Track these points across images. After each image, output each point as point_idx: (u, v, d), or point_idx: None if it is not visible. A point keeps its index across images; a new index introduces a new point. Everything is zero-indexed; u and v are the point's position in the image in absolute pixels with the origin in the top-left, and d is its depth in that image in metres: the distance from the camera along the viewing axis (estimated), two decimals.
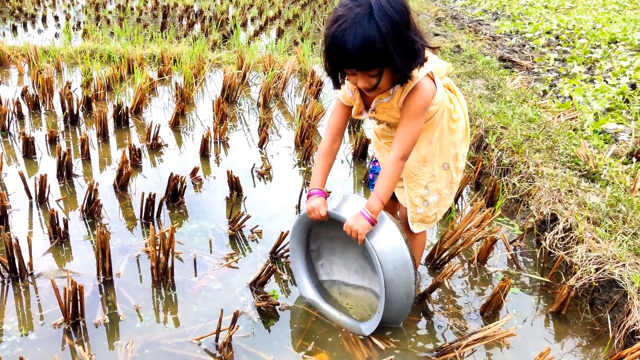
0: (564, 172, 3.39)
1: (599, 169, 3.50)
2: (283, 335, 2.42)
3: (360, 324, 2.43)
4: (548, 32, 9.43)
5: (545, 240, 2.91)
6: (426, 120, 2.29)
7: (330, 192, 2.54)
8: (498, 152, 3.84)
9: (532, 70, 7.06)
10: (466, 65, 6.19)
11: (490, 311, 2.55)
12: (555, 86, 6.14)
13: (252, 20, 11.02)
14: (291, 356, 2.30)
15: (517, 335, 2.11)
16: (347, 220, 2.25)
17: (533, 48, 8.37)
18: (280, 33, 9.33)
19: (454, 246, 2.84)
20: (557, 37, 9.04)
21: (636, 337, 2.26)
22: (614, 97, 5.43)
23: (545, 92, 5.85)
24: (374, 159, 2.71)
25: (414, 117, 2.16)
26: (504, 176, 3.70)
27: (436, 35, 8.72)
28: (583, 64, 7.30)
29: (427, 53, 2.19)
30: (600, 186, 3.30)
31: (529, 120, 4.26)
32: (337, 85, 2.19)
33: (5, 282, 2.67)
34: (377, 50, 1.90)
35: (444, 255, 2.84)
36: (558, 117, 4.72)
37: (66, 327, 2.38)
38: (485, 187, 3.61)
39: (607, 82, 6.12)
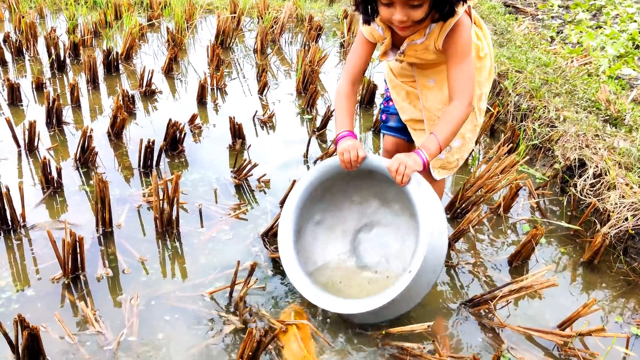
0: (587, 117, 3.20)
1: (621, 113, 3.32)
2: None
3: (382, 294, 1.93)
4: None
5: (574, 186, 2.74)
6: None
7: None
8: (515, 97, 3.63)
9: (536, 16, 6.80)
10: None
11: (519, 261, 2.40)
12: (562, 32, 5.91)
13: None
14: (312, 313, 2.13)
15: (558, 285, 1.96)
16: (397, 155, 1.99)
17: None
18: None
19: (476, 194, 2.66)
20: None
21: None
22: (624, 43, 5.22)
23: (552, 39, 5.62)
24: (386, 98, 2.48)
25: (465, 56, 1.98)
26: (523, 121, 3.50)
27: None
28: (587, 10, 7.04)
29: None
30: (625, 131, 3.12)
31: (543, 64, 4.05)
32: (367, 19, 1.98)
33: None
34: None
35: (465, 203, 2.66)
36: (571, 62, 4.51)
37: (65, 282, 2.19)
38: (503, 134, 3.42)
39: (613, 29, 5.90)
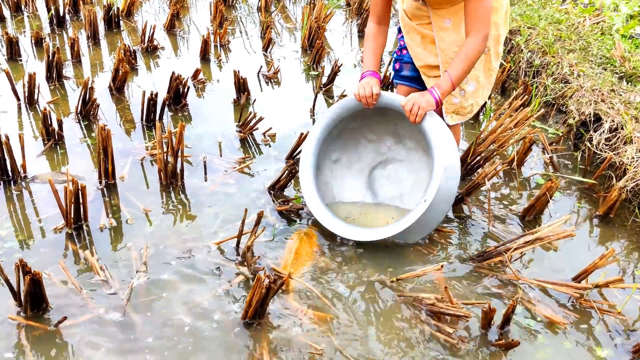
0: (602, 73, 3.11)
1: (637, 70, 3.22)
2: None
3: (398, 222, 2.05)
4: None
5: (590, 140, 2.67)
6: None
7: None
8: (528, 53, 3.53)
9: None
10: None
11: (532, 215, 2.34)
12: None
13: None
14: (320, 263, 2.08)
15: (575, 235, 1.90)
16: (410, 95, 2.04)
17: None
18: None
19: (489, 149, 2.59)
20: None
21: None
22: (638, 2, 5.09)
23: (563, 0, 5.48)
24: (400, 46, 2.38)
25: None
26: (535, 78, 3.41)
27: None
28: None
29: None
30: None
31: (556, 21, 3.93)
32: None
33: None
34: None
35: (478, 158, 2.59)
36: (583, 22, 4.39)
37: (68, 232, 2.14)
38: (515, 91, 3.33)
39: None
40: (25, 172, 2.46)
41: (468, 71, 2.00)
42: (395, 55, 2.41)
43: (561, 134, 2.91)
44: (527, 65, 3.47)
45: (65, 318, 1.69)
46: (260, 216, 1.96)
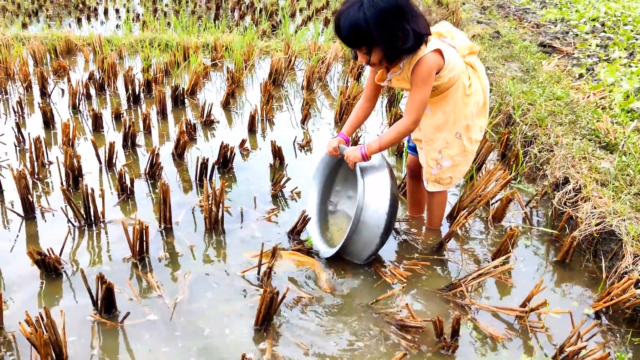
0: (581, 142, 3.64)
1: (617, 140, 3.73)
2: (315, 272, 2.80)
3: (328, 248, 2.89)
4: (594, 19, 9.45)
5: (554, 198, 3.19)
6: (441, 92, 2.65)
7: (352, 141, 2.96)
8: (523, 126, 4.10)
9: (572, 55, 7.18)
10: (503, 50, 6.41)
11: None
12: (593, 70, 6.28)
13: (301, 10, 11.43)
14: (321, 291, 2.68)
15: (514, 268, 2.42)
16: (347, 149, 2.74)
17: (576, 35, 8.45)
18: (327, 22, 9.70)
19: (472, 205, 3.15)
20: (602, 24, 9.06)
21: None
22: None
23: (581, 76, 6.00)
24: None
25: (420, 85, 2.52)
26: (528, 147, 3.96)
27: (479, 22, 8.90)
28: (625, 49, 7.36)
29: (453, 31, 2.67)
30: (618, 156, 3.53)
31: (556, 98, 4.49)
32: (355, 57, 2.60)
33: (82, 227, 3.15)
34: (362, 33, 2.35)
35: (462, 212, 3.15)
36: (587, 97, 4.92)
37: (134, 261, 2.84)
38: (509, 157, 3.89)
39: None
40: (103, 217, 3.21)
41: (394, 141, 2.63)
42: (408, 143, 3.11)
43: (536, 193, 3.43)
44: (522, 137, 4.03)
45: (128, 314, 2.37)
46: (274, 249, 2.60)
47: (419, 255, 2.95)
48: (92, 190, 3.09)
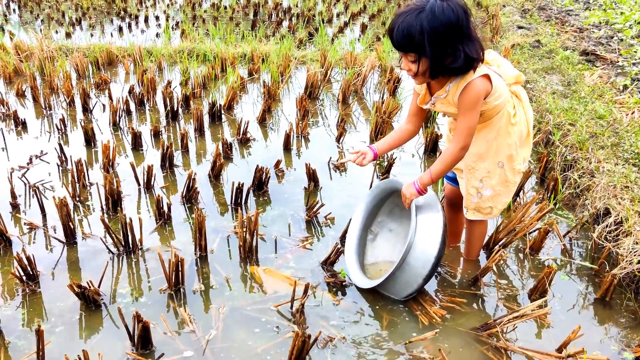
0: (624, 168, 3.53)
1: None
2: (347, 306, 2.80)
3: (366, 279, 2.87)
4: None
5: (594, 232, 3.11)
6: (485, 120, 2.61)
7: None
8: (563, 149, 4.00)
9: (617, 63, 6.97)
10: (544, 61, 6.27)
11: (537, 295, 2.81)
12: (638, 80, 6.08)
13: (338, 15, 11.41)
14: (354, 326, 2.68)
15: (550, 313, 2.37)
16: (402, 186, 2.75)
17: (621, 40, 8.19)
18: (363, 29, 9.66)
19: (508, 236, 3.10)
20: None
21: None
22: None
23: (625, 87, 5.82)
24: None
25: (468, 111, 2.48)
26: (567, 171, 3.87)
27: (520, 28, 8.73)
28: None
29: (499, 59, 2.65)
30: None
31: (598, 117, 4.37)
32: (400, 66, 2.58)
33: (120, 255, 3.22)
34: (413, 40, 2.32)
35: (499, 244, 3.10)
36: (632, 114, 4.77)
37: (170, 293, 2.89)
38: (548, 181, 3.80)
39: None
40: (141, 244, 3.27)
41: (445, 170, 2.59)
42: None
43: (578, 224, 3.35)
44: (561, 160, 3.94)
45: (162, 354, 2.40)
46: (307, 287, 2.61)
47: (454, 290, 2.91)
48: (131, 220, 3.15)
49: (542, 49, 6.80)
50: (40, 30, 9.93)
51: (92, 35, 9.55)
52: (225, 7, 12.18)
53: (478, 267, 3.10)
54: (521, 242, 3.28)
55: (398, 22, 2.35)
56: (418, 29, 2.29)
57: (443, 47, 2.33)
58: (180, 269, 2.87)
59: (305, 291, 2.63)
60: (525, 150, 2.78)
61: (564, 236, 3.29)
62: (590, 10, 10.76)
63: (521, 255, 3.21)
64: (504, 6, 10.91)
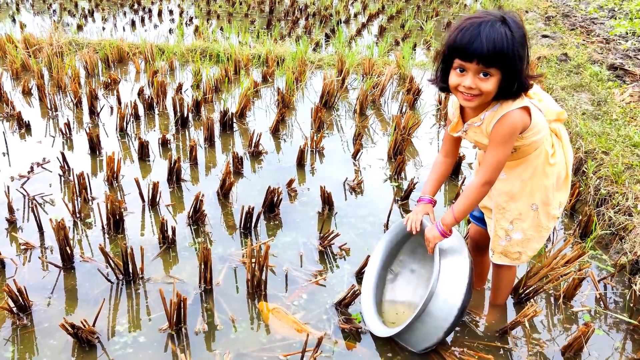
0: None
1: None
2: (363, 358, 2.57)
3: (383, 326, 2.62)
4: None
5: (636, 283, 2.85)
6: (520, 157, 2.36)
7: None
8: (596, 180, 3.74)
9: None
10: (572, 77, 5.98)
11: (572, 353, 2.56)
12: None
13: (355, 16, 11.13)
14: None
15: None
16: (426, 230, 2.49)
17: None
18: (382, 31, 9.38)
19: (540, 282, 2.85)
20: None
21: None
22: None
23: None
24: None
25: (499, 144, 2.23)
26: (601, 206, 3.61)
27: (544, 37, 8.42)
28: None
29: (540, 93, 2.39)
30: None
31: (633, 144, 4.10)
32: (443, 89, 2.30)
33: (120, 284, 3.00)
34: (505, 48, 2.02)
35: (529, 290, 2.86)
36: None
37: (170, 333, 2.66)
38: (580, 217, 3.54)
39: None
40: (142, 273, 3.05)
41: (469, 208, 2.36)
42: None
43: (615, 270, 3.09)
44: (594, 193, 3.68)
45: None
46: (320, 341, 2.38)
47: (480, 341, 2.67)
48: (132, 249, 2.93)
49: (569, 63, 6.50)
50: (53, 20, 9.73)
51: (103, 29, 9.33)
52: (241, 3, 11.92)
53: (505, 313, 2.86)
54: (550, 287, 3.02)
55: (483, 31, 2.03)
56: (509, 38, 2.02)
57: (523, 63, 2.10)
58: (182, 307, 2.64)
59: (318, 345, 2.39)
60: (562, 194, 2.52)
61: (600, 281, 3.03)
62: (615, 19, 10.41)
63: (551, 300, 2.96)
64: (526, 12, 10.58)
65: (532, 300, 2.87)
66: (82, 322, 2.51)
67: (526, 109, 2.22)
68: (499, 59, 2.04)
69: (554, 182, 2.45)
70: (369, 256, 3.03)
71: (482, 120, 2.27)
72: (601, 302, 2.94)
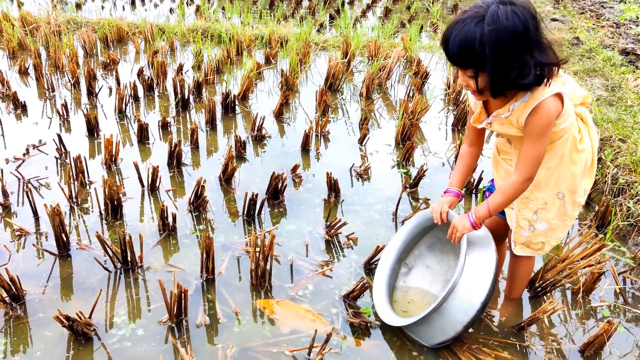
0: None
1: None
2: (372, 354, 2.45)
3: (396, 316, 2.49)
4: None
5: None
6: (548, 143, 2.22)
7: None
8: (613, 169, 3.60)
9: None
10: (584, 61, 5.81)
11: (592, 351, 2.44)
12: None
13: None
14: None
15: None
16: (453, 219, 2.37)
17: None
18: (387, 12, 9.17)
19: (558, 275, 2.72)
20: None
21: None
22: None
23: None
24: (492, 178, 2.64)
25: (537, 137, 2.11)
26: (619, 196, 3.47)
27: (553, 20, 8.23)
28: None
29: (563, 76, 2.21)
30: None
31: None
32: (455, 79, 2.18)
33: (118, 273, 2.87)
34: (472, 52, 1.94)
35: (546, 284, 2.73)
36: None
37: (170, 325, 2.54)
38: (597, 207, 3.41)
39: None
40: (141, 262, 2.92)
41: (506, 204, 2.25)
42: (489, 184, 2.67)
43: (635, 263, 2.96)
44: (611, 182, 3.54)
45: None
46: (329, 337, 2.25)
47: (495, 338, 2.54)
48: (130, 237, 2.80)
49: (581, 47, 6.32)
50: None
51: (103, 7, 9.12)
52: None
53: (520, 307, 2.74)
54: (567, 281, 2.90)
55: (454, 32, 1.96)
56: (478, 39, 1.90)
57: (507, 60, 1.94)
58: (183, 299, 2.52)
59: (327, 340, 2.27)
60: (587, 180, 2.39)
61: (619, 275, 2.90)
62: (625, 3, 10.19)
63: (567, 294, 2.83)
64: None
65: (549, 294, 2.75)
66: (77, 314, 2.38)
67: (559, 95, 2.08)
68: (468, 61, 1.98)
69: (582, 169, 2.32)
70: (377, 246, 2.90)
71: (511, 111, 2.13)
72: (620, 297, 2.81)
